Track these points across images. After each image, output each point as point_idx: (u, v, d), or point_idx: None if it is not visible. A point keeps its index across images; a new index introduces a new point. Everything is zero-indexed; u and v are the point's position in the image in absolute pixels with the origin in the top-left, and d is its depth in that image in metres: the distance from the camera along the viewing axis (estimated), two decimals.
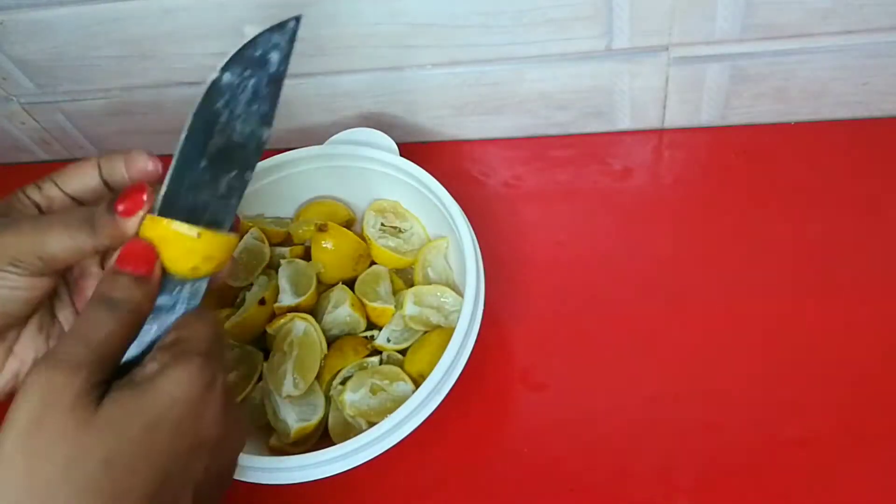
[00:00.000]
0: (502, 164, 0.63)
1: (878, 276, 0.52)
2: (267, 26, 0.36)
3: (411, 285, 0.55)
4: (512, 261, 0.57)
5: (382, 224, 0.57)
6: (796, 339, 0.50)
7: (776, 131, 0.60)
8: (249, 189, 0.57)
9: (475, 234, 0.51)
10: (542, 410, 0.51)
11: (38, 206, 0.39)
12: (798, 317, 0.51)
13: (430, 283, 0.54)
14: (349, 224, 0.59)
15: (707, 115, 0.60)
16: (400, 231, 0.58)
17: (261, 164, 0.56)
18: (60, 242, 0.37)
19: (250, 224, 0.57)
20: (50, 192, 0.40)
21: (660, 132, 0.62)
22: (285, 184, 0.58)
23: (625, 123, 0.62)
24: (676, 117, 0.61)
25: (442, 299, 0.53)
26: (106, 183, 0.40)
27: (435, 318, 0.52)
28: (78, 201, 0.40)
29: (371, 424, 0.45)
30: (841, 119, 0.60)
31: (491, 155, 0.64)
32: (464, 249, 0.50)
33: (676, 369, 0.50)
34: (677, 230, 0.57)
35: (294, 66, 0.59)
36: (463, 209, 0.52)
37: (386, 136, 0.56)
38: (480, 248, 0.51)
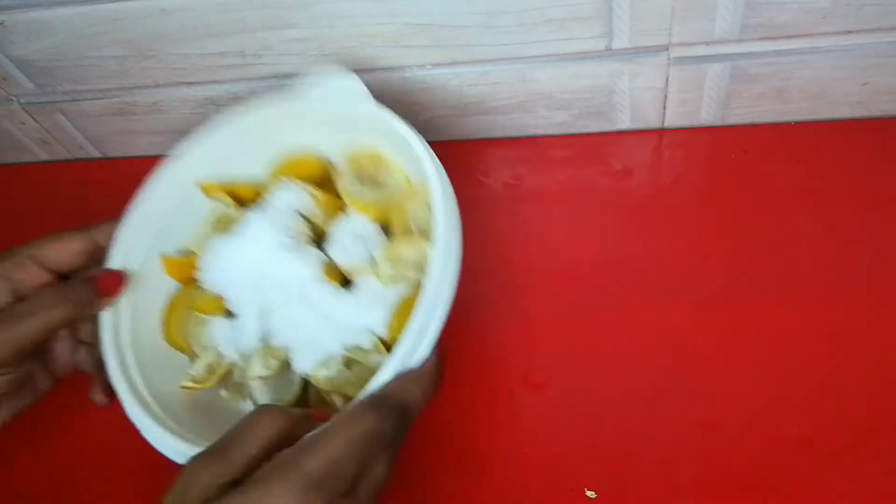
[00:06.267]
0: (502, 164, 0.63)
1: (878, 276, 0.52)
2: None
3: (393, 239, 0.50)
4: (512, 260, 0.57)
5: (360, 176, 0.52)
6: (796, 339, 0.50)
7: (776, 131, 0.60)
8: (213, 143, 0.53)
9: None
10: (542, 410, 0.51)
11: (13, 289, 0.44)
12: (798, 316, 0.51)
13: (411, 235, 0.49)
14: (325, 177, 0.54)
15: (707, 115, 0.60)
16: (379, 182, 0.52)
17: (222, 118, 0.52)
18: (38, 334, 0.42)
19: (216, 188, 0.52)
20: (29, 270, 0.45)
21: (660, 132, 0.62)
22: (250, 136, 0.53)
23: (625, 123, 0.62)
24: (676, 117, 0.61)
25: (422, 254, 0.48)
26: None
27: (414, 276, 0.48)
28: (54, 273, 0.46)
29: (347, 398, 0.42)
30: (841, 119, 0.60)
31: (491, 155, 0.64)
32: (431, 189, 0.44)
33: (677, 369, 0.50)
34: (677, 230, 0.57)
35: (294, 65, 0.59)
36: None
37: (356, 77, 0.51)
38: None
